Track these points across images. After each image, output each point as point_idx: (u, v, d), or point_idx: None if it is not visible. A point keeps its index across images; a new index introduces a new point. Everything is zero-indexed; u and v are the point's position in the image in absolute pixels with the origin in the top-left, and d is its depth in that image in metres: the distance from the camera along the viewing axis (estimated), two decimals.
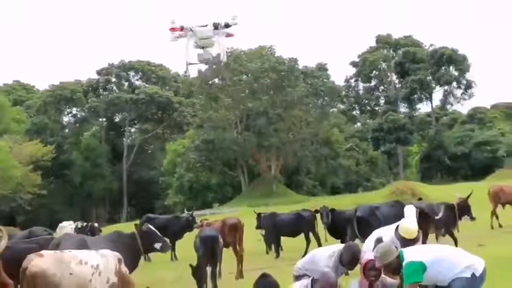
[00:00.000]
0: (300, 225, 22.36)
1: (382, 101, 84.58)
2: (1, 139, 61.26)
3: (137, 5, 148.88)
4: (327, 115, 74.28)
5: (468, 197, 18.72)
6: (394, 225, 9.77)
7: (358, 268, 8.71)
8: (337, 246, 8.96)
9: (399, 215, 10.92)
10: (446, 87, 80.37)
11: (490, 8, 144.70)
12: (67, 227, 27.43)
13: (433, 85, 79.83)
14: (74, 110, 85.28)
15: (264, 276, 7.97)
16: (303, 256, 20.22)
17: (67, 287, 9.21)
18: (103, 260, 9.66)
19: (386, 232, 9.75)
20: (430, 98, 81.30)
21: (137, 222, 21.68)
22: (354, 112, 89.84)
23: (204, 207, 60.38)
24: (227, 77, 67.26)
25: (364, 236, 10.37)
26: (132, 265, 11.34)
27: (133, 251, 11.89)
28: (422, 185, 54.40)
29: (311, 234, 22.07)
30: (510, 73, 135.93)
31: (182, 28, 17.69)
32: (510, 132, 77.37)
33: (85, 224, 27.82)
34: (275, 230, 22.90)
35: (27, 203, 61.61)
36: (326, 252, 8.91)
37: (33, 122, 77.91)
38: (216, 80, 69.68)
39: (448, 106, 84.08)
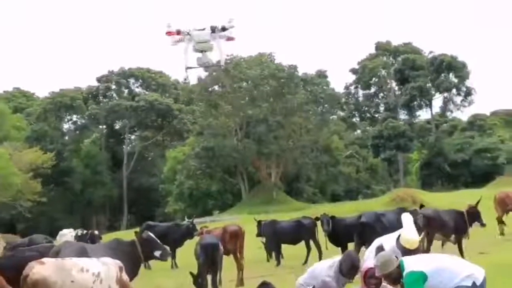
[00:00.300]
0: (301, 232, 22.38)
1: (382, 108, 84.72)
2: (1, 146, 61.23)
3: (137, 12, 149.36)
4: (327, 122, 74.37)
5: (477, 203, 18.50)
6: (395, 234, 9.71)
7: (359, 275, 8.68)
8: (336, 257, 8.91)
9: None
10: (445, 94, 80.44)
11: (490, 15, 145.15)
12: (67, 234, 27.52)
13: (433, 92, 79.89)
14: (74, 117, 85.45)
15: (264, 284, 7.99)
16: (304, 264, 20.47)
17: None
18: (104, 268, 9.67)
19: (387, 241, 9.69)
20: (430, 105, 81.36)
21: (137, 229, 21.73)
22: (354, 119, 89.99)
23: (204, 214, 60.43)
24: (227, 84, 67.44)
25: (368, 242, 10.39)
26: (132, 273, 11.33)
27: (133, 259, 11.87)
28: (423, 193, 54.37)
29: (311, 242, 22.06)
30: (510, 80, 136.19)
31: (178, 32, 17.66)
32: (510, 139, 77.56)
33: (85, 231, 27.90)
34: (276, 238, 22.96)
35: (27, 211, 61.51)
36: (326, 264, 8.87)
37: (33, 129, 78.02)
38: (216, 87, 69.91)
39: (448, 113, 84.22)
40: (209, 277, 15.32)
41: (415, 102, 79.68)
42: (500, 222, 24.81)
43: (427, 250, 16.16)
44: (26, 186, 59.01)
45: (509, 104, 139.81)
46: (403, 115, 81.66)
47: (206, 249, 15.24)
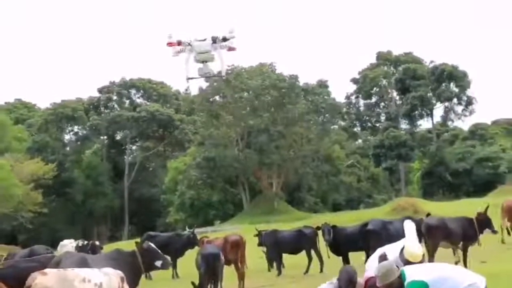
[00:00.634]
0: (302, 242, 22.35)
1: (383, 118, 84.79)
2: (2, 158, 61.48)
3: (138, 23, 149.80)
4: (328, 132, 74.51)
5: (486, 210, 18.40)
6: (399, 244, 9.62)
7: None
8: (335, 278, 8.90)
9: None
10: (446, 104, 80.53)
11: (490, 24, 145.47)
12: (68, 245, 27.41)
13: (434, 102, 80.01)
14: (76, 128, 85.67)
15: None
16: (305, 273, 20.48)
17: None
18: (106, 278, 9.74)
19: (391, 251, 9.52)
20: (431, 115, 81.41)
21: (138, 240, 21.75)
22: (355, 129, 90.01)
23: (205, 224, 60.56)
24: (228, 94, 67.53)
25: (373, 250, 10.38)
26: (133, 283, 11.41)
27: (134, 269, 11.89)
28: (424, 202, 54.45)
29: (312, 251, 22.06)
30: (511, 89, 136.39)
31: (179, 43, 17.33)
32: (511, 148, 77.52)
33: (86, 242, 27.73)
34: (277, 247, 22.96)
35: (29, 222, 61.95)
36: (324, 285, 8.89)
37: (34, 140, 78.23)
38: (217, 98, 70.04)
39: (449, 123, 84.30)
40: (210, 287, 15.37)
41: (416, 112, 79.73)
42: (507, 229, 24.90)
43: (430, 259, 16.11)
44: (27, 197, 59.29)
45: (510, 113, 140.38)
46: (404, 125, 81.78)
47: (207, 259, 15.31)
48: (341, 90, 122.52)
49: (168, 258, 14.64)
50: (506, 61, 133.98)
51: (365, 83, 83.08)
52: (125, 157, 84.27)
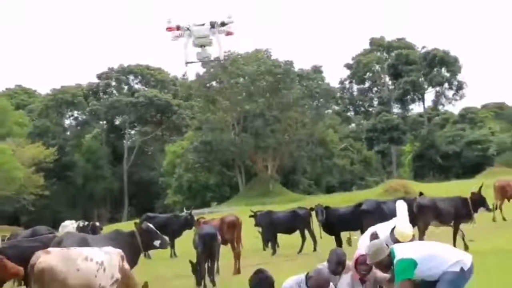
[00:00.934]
0: (296, 222, 22.56)
1: (375, 102, 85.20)
2: (4, 142, 61.95)
3: (136, 9, 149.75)
4: (322, 116, 74.84)
5: (480, 189, 18.32)
6: (390, 224, 9.62)
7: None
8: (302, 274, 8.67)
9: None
10: (438, 88, 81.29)
11: (481, 10, 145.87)
12: (69, 226, 27.45)
13: (425, 86, 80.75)
14: (75, 113, 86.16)
15: (260, 272, 8.17)
16: (299, 252, 21.54)
17: (73, 283, 9.35)
18: (107, 257, 9.81)
19: (382, 230, 9.60)
20: (422, 99, 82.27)
21: (138, 221, 21.59)
22: (348, 113, 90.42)
23: (202, 206, 60.83)
24: (225, 80, 67.67)
25: (366, 229, 10.85)
26: (132, 261, 11.45)
27: (133, 249, 11.95)
28: (415, 183, 54.84)
29: (306, 231, 22.25)
30: (500, 74, 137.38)
31: (178, 28, 17.66)
32: (500, 131, 78.06)
33: (86, 223, 27.63)
34: (272, 228, 23.13)
35: (31, 204, 62.35)
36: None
37: (35, 125, 78.71)
38: (214, 83, 70.13)
39: (440, 107, 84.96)
40: (207, 266, 15.62)
41: (408, 96, 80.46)
42: (499, 208, 25.40)
43: (421, 237, 16.68)
44: (29, 180, 59.92)
45: (499, 97, 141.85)
46: (396, 109, 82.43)
47: (204, 239, 15.40)
48: (335, 76, 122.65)
49: (166, 238, 15.28)
50: (496, 47, 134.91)
51: (358, 69, 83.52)
52: (124, 141, 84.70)
